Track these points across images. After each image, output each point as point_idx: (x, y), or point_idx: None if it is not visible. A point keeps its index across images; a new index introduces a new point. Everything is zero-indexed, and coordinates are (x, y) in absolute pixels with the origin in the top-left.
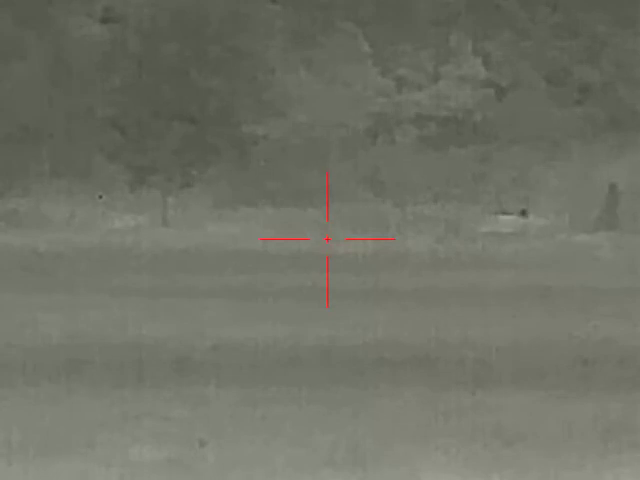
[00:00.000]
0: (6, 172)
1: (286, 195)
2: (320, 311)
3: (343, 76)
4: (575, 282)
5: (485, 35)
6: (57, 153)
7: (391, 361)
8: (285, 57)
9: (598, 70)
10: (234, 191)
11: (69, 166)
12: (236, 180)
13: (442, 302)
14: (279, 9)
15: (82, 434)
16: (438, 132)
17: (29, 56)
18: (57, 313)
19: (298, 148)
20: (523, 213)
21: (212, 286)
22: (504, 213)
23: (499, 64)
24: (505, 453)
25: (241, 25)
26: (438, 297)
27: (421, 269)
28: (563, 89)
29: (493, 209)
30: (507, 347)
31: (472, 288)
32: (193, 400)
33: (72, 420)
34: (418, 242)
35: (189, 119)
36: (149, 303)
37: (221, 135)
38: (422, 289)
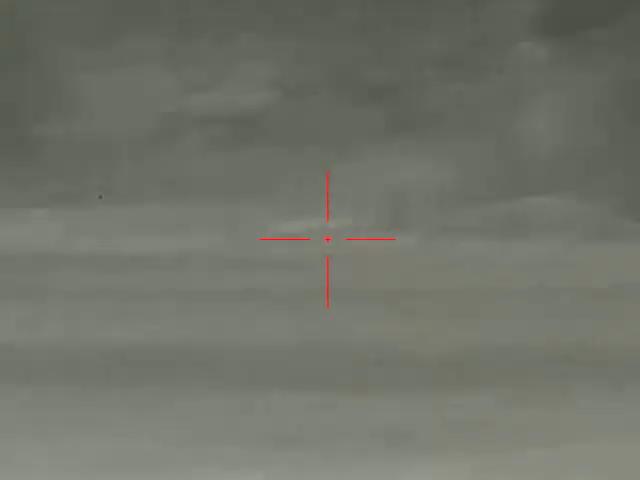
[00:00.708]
0: None
1: (71, 196)
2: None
3: (131, 77)
4: (377, 284)
5: (273, 36)
6: None
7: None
8: (72, 58)
9: (387, 71)
10: (18, 192)
11: None
12: (21, 181)
13: (232, 303)
14: (68, 10)
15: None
16: (226, 133)
17: None
18: None
19: (84, 149)
20: (317, 215)
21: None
22: (296, 215)
23: (287, 65)
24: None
25: (28, 25)
26: (225, 299)
27: (205, 271)
28: (352, 90)
29: (285, 211)
30: (290, 349)
31: (258, 291)
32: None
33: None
34: (202, 243)
35: None
36: None
37: (5, 135)
38: (202, 291)
